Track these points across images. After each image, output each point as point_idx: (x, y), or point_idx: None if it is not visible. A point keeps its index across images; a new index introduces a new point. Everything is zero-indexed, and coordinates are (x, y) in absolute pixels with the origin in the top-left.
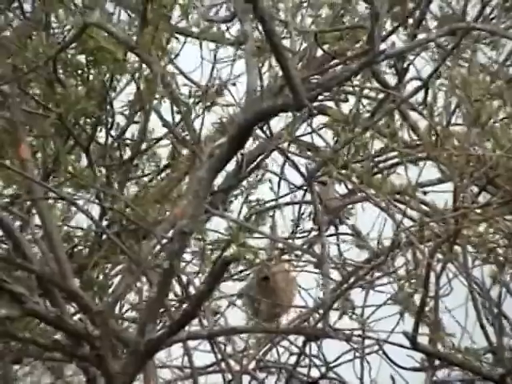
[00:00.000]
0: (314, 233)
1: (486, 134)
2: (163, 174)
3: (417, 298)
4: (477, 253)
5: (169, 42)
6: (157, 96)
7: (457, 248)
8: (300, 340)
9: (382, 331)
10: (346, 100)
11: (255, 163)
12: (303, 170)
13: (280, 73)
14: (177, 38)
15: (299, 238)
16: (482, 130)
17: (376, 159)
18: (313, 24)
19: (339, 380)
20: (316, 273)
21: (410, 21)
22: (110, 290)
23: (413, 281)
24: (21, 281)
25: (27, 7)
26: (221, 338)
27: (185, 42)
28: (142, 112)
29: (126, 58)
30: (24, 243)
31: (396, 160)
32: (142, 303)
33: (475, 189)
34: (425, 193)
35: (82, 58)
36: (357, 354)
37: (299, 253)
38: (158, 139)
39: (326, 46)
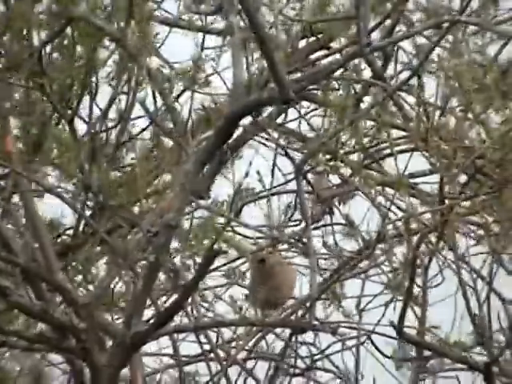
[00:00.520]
0: (302, 224)
1: (476, 124)
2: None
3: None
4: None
5: (154, 34)
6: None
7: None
8: (287, 332)
9: (368, 324)
10: (337, 89)
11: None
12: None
13: (266, 65)
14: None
15: (291, 226)
16: (474, 120)
17: (367, 150)
18: (297, 16)
19: (328, 370)
20: (305, 266)
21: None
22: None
23: (401, 272)
24: (5, 273)
25: None
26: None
27: (169, 33)
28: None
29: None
30: (8, 235)
31: (388, 151)
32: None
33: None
34: (412, 188)
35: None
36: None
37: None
38: (142, 130)
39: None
